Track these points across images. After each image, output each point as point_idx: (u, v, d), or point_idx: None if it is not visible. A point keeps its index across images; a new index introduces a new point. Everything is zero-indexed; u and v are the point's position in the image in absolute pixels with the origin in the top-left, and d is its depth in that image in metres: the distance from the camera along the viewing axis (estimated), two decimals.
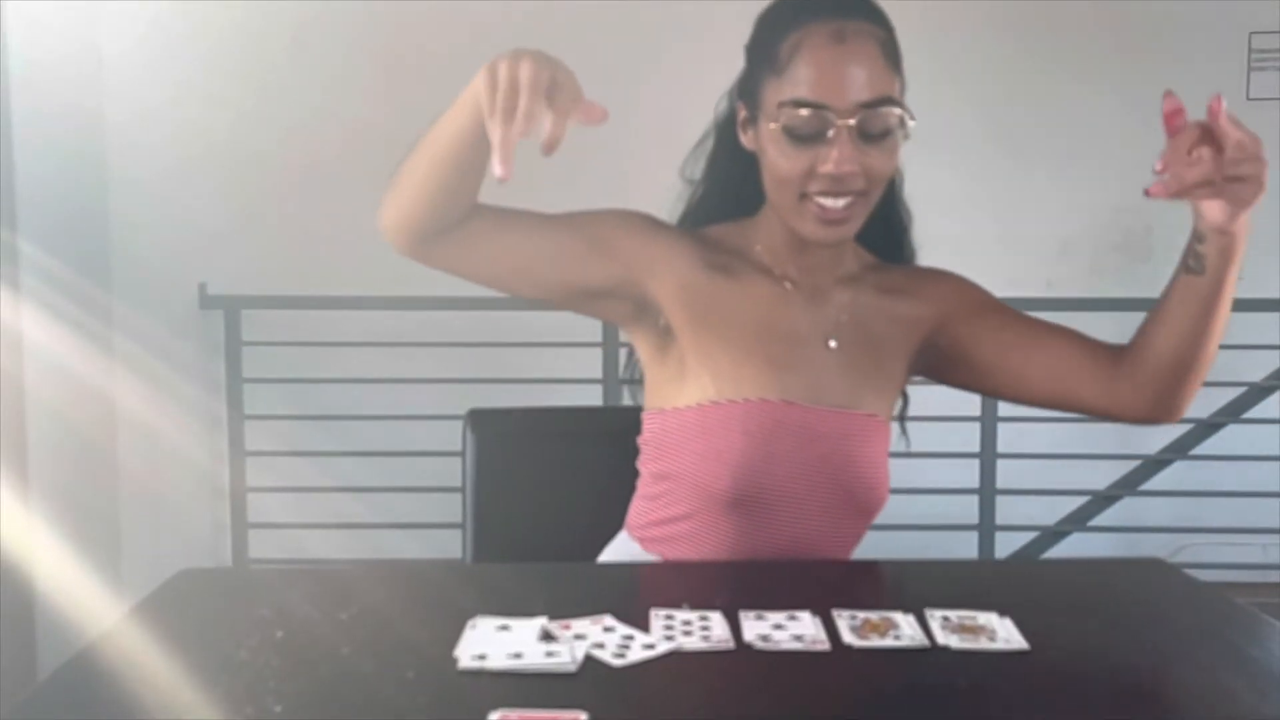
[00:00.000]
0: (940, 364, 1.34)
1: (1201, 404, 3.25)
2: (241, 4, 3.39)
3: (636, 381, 1.39)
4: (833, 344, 1.28)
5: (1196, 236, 1.16)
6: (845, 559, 1.31)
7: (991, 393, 1.35)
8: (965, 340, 1.30)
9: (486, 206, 1.20)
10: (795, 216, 1.21)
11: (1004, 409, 3.08)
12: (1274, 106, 3.67)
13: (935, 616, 1.04)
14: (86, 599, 2.73)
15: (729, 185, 1.31)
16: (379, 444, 3.11)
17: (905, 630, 1.02)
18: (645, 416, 1.33)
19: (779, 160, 1.19)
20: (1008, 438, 3.12)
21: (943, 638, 1.00)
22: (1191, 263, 1.17)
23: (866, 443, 1.26)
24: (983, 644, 1.00)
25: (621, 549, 1.35)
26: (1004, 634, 1.01)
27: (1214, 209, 1.11)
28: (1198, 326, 1.20)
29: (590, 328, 3.05)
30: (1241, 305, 3.62)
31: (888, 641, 1.00)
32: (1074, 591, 1.19)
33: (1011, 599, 1.09)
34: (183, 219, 3.44)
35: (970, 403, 3.02)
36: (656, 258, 1.25)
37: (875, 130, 1.17)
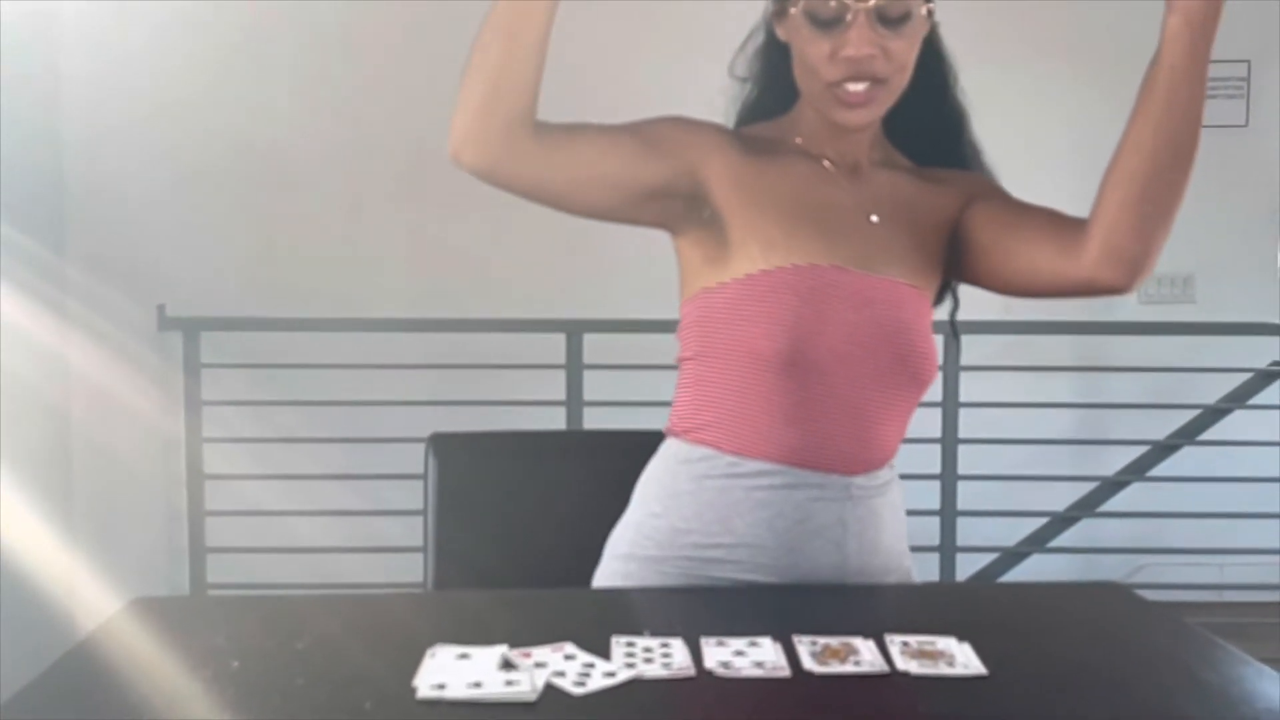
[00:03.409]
0: (958, 255, 1.34)
1: (1157, 426, 3.31)
2: (201, 12, 3.38)
3: None
4: (874, 219, 1.30)
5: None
6: (900, 434, 1.31)
7: (984, 282, 1.34)
8: (969, 225, 1.32)
9: (547, 122, 1.19)
10: (823, 102, 1.25)
11: (964, 430, 3.11)
12: (1225, 134, 3.75)
13: (895, 642, 1.05)
14: (37, 629, 2.68)
15: (779, 79, 1.34)
16: (340, 467, 3.09)
17: (865, 656, 1.02)
18: (685, 304, 1.32)
19: (804, 46, 1.23)
20: (968, 459, 3.14)
21: (902, 663, 1.01)
22: (1154, 56, 1.16)
23: (915, 312, 1.28)
24: (942, 669, 1.00)
25: (669, 455, 1.32)
26: (963, 659, 1.02)
27: None
28: (1147, 127, 1.15)
29: (554, 350, 3.05)
30: (1196, 329, 3.68)
31: (848, 667, 1.00)
32: (1032, 616, 1.20)
33: (970, 623, 1.10)
34: (141, 240, 3.42)
35: (932, 424, 3.05)
36: (704, 145, 1.27)
37: (894, 14, 1.20)
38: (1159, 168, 1.16)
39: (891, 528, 1.31)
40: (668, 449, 1.33)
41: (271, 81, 3.49)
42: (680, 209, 1.28)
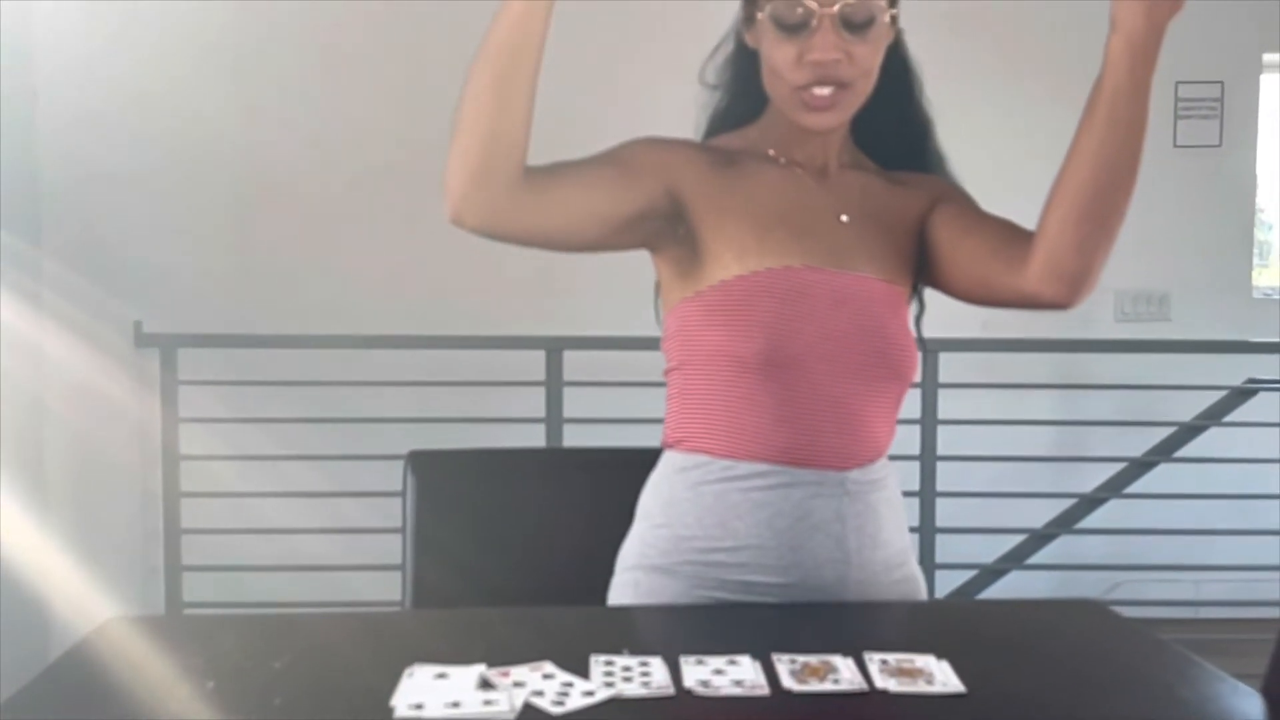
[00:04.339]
0: (922, 257, 1.37)
1: (1134, 443, 3.33)
2: (176, 27, 3.38)
3: None
4: (844, 218, 1.32)
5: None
6: (890, 428, 1.33)
7: (940, 286, 1.36)
8: (930, 228, 1.35)
9: (531, 166, 1.19)
10: (790, 106, 1.28)
11: (943, 448, 3.12)
12: (1199, 153, 3.79)
13: (874, 660, 1.05)
14: (10, 648, 2.65)
15: (748, 86, 1.36)
16: (318, 485, 3.07)
17: (844, 674, 1.02)
18: (666, 317, 1.35)
19: (771, 51, 1.26)
20: (947, 476, 3.16)
21: (881, 681, 1.01)
22: (1098, 77, 1.16)
23: (889, 306, 1.31)
24: (920, 687, 1.00)
25: (666, 465, 1.34)
26: (941, 677, 1.02)
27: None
28: (1089, 147, 1.16)
29: (533, 367, 3.05)
30: (1172, 347, 3.68)
31: (827, 686, 1.00)
32: (1010, 633, 1.20)
33: (949, 641, 1.10)
34: (118, 256, 3.40)
35: (910, 441, 3.06)
36: (676, 163, 1.30)
37: (858, 20, 1.23)
38: (1100, 188, 1.17)
39: (891, 522, 1.32)
40: (664, 461, 1.35)
41: (249, 99, 3.48)
42: (661, 228, 1.29)
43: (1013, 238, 1.28)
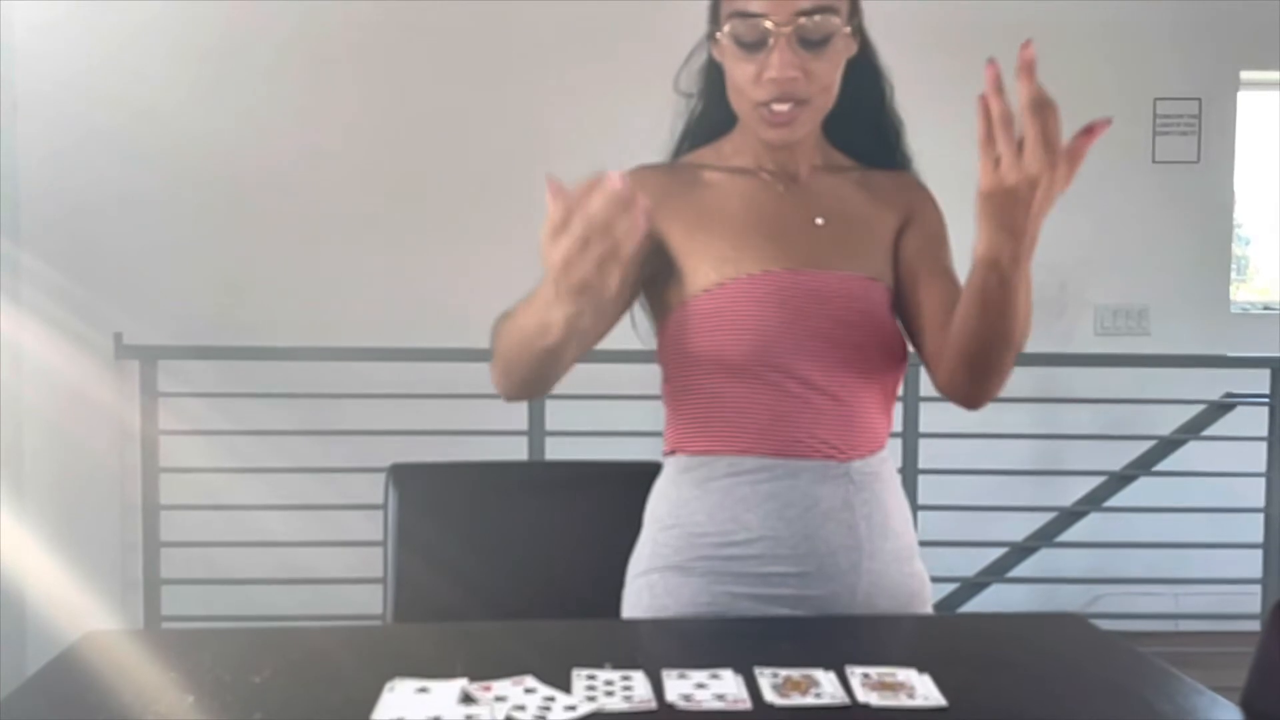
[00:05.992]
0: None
1: (1113, 457, 3.35)
2: (162, 35, 3.37)
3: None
4: (819, 221, 1.35)
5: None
6: (887, 419, 1.36)
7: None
8: (897, 254, 1.37)
9: None
10: (752, 120, 1.31)
11: (924, 461, 3.13)
12: (1178, 169, 3.83)
13: (856, 673, 1.05)
14: None
15: (720, 96, 1.37)
16: (299, 498, 3.06)
17: (826, 688, 1.02)
18: (657, 330, 1.37)
19: (733, 68, 1.29)
20: (928, 490, 3.16)
21: (863, 695, 1.01)
22: (972, 265, 1.15)
23: (872, 301, 1.32)
24: (902, 701, 1.00)
25: (670, 469, 1.35)
26: (923, 691, 1.02)
27: (989, 215, 1.07)
28: (971, 317, 1.17)
29: None
30: (1151, 361, 3.69)
31: (809, 699, 1.00)
32: (991, 647, 1.21)
33: (930, 655, 1.10)
34: (98, 267, 3.38)
35: (892, 455, 3.06)
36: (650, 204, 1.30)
37: (815, 38, 1.25)
38: (984, 347, 1.20)
39: (898, 514, 1.34)
40: (668, 466, 1.36)
41: (233, 109, 3.48)
42: (652, 270, 1.32)
43: (945, 324, 1.28)
